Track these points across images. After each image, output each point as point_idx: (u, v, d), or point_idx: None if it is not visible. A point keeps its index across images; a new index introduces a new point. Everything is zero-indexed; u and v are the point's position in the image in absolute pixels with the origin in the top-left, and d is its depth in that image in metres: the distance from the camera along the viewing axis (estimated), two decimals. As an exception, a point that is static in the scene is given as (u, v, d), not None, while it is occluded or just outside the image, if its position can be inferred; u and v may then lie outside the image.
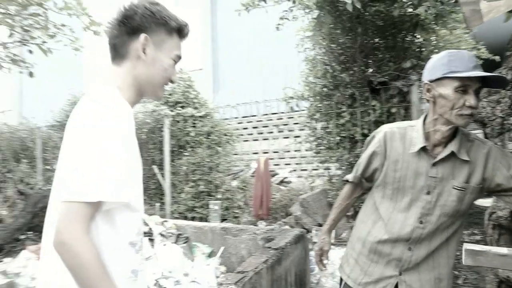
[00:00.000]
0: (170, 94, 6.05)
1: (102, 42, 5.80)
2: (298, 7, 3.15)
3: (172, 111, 5.75)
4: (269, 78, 8.91)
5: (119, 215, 1.10)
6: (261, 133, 8.15)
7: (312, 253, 3.94)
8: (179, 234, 3.86)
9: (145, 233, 3.83)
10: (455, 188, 1.51)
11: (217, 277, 3.18)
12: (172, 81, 1.25)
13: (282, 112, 4.65)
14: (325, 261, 2.03)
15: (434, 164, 1.54)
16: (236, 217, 4.85)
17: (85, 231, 0.98)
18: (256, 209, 4.51)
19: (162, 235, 3.82)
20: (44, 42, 5.88)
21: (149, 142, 6.11)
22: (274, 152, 7.52)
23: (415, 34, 4.14)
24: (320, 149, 4.44)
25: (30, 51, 5.94)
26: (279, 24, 3.31)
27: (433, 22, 3.52)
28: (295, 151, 6.64)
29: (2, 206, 5.24)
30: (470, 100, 1.41)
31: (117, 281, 1.05)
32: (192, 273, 3.17)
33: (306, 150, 4.78)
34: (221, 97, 10.18)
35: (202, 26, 11.24)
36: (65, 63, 9.62)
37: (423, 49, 4.20)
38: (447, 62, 1.47)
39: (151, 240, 3.69)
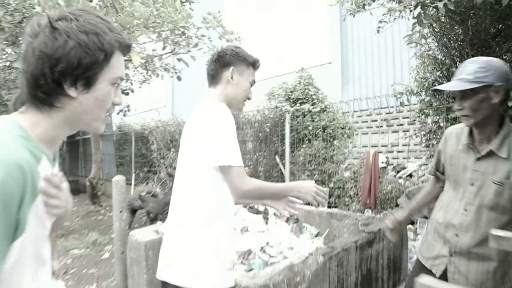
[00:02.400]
0: (291, 92, 6.64)
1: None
2: (396, 9, 3.32)
3: (292, 107, 6.33)
4: (390, 72, 8.78)
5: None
6: (371, 127, 8.13)
7: (412, 243, 4.08)
8: (290, 216, 4.41)
9: (260, 212, 4.50)
10: (494, 183, 1.69)
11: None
12: (249, 98, 1.85)
13: (391, 107, 4.70)
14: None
15: (478, 159, 1.75)
16: (346, 205, 5.19)
17: (246, 176, 1.62)
18: (364, 198, 4.78)
19: (275, 214, 4.42)
20: (189, 51, 7.08)
21: (273, 134, 6.82)
22: (394, 146, 7.47)
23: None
24: (431, 143, 4.47)
25: (179, 60, 7.22)
26: (379, 27, 3.53)
27: None
28: (404, 145, 6.54)
29: (156, 185, 6.60)
30: (455, 104, 1.72)
31: (225, 221, 1.66)
32: (296, 247, 3.68)
33: (415, 145, 4.82)
34: (349, 90, 10.30)
35: (331, 20, 11.43)
36: (204, 67, 11.01)
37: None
38: None
39: (266, 218, 4.32)
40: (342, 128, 6.29)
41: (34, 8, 4.57)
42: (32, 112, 0.93)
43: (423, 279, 1.12)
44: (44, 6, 4.33)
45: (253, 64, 1.82)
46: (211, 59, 1.82)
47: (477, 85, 1.61)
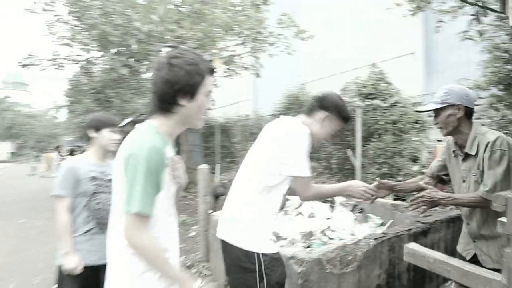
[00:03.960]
0: (363, 87, 6.83)
1: (307, 45, 7.18)
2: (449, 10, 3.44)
3: (363, 101, 6.55)
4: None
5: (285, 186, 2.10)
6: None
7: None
8: (355, 205, 4.72)
9: (328, 200, 4.87)
10: (473, 175, 2.11)
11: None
12: (327, 140, 2.26)
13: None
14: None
15: (463, 160, 2.18)
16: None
17: (310, 184, 2.04)
18: (430, 192, 4.88)
19: (341, 204, 4.77)
20: (263, 50, 7.62)
21: (345, 129, 7.09)
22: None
23: None
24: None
25: (256, 58, 7.81)
26: (438, 27, 3.66)
27: None
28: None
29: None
30: (433, 120, 2.20)
31: (269, 214, 2.04)
32: (358, 234, 4.01)
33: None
34: (433, 81, 10.02)
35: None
36: (283, 64, 11.49)
37: None
38: None
39: (332, 207, 4.69)
40: (416, 122, 6.33)
41: (134, 23, 5.43)
42: (160, 117, 1.49)
43: (410, 244, 1.49)
44: (143, 21, 5.15)
45: (345, 119, 2.17)
46: (316, 96, 2.20)
47: (441, 105, 2.11)
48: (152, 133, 1.43)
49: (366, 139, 6.56)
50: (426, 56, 10.52)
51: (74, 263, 2.28)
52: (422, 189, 2.36)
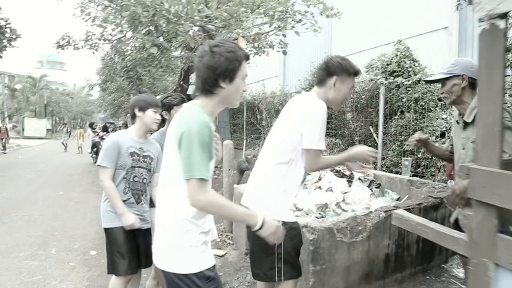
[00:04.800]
0: (388, 64, 6.83)
1: (335, 22, 7.19)
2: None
3: (386, 79, 6.57)
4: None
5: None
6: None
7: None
8: (372, 181, 4.89)
9: (346, 175, 5.06)
10: (472, 142, 2.24)
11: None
12: (347, 99, 2.43)
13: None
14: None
15: (463, 129, 2.33)
16: (432, 175, 5.41)
17: (319, 157, 2.17)
18: (448, 170, 4.96)
19: (360, 179, 4.95)
20: (293, 27, 7.68)
21: (368, 106, 7.16)
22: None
23: None
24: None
25: (284, 35, 7.89)
26: (458, 4, 3.64)
27: None
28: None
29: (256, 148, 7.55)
30: (440, 89, 2.34)
31: (290, 186, 2.21)
32: (372, 208, 4.20)
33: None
34: (467, 57, 9.75)
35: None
36: (311, 41, 11.44)
37: None
38: None
39: (350, 181, 4.88)
40: (439, 100, 6.32)
41: (163, 4, 5.65)
42: (203, 98, 1.69)
43: (398, 210, 1.70)
44: (170, 2, 5.35)
45: (354, 74, 2.24)
46: (320, 66, 2.32)
47: (447, 75, 2.27)
48: (200, 111, 1.64)
49: (388, 116, 6.62)
50: (459, 31, 10.11)
51: (131, 219, 2.61)
52: (446, 158, 2.69)
